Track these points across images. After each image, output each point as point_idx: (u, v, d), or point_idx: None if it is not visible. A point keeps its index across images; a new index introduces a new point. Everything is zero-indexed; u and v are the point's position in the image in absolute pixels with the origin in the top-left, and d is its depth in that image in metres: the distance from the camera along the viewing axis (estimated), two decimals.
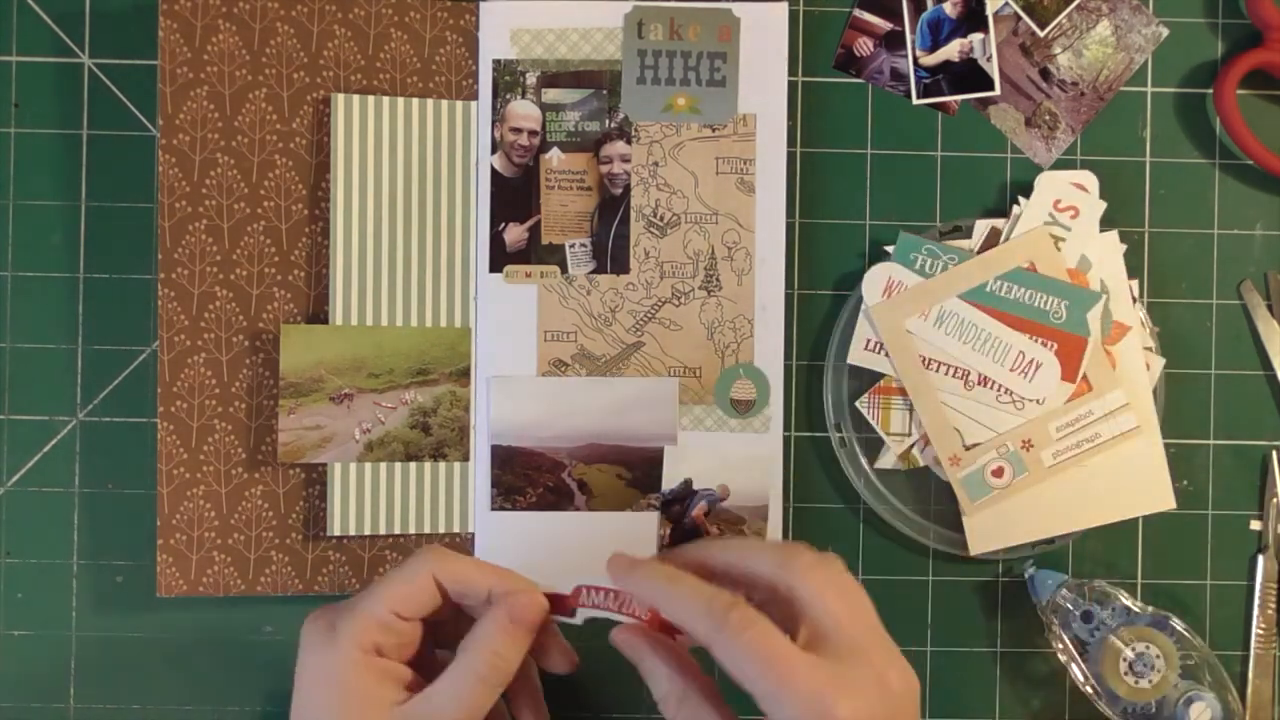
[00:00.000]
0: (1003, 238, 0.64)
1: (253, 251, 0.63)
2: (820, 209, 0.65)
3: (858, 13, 0.65)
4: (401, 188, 0.63)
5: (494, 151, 0.64)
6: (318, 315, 0.63)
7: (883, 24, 0.65)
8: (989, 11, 0.65)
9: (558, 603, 0.54)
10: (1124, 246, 0.64)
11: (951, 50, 0.65)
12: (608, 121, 0.64)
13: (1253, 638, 0.65)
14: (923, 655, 0.65)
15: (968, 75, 0.65)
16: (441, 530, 0.64)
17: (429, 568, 0.52)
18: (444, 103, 0.64)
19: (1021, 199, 0.64)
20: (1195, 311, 0.66)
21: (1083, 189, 0.64)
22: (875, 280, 0.64)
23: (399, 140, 0.63)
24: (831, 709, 0.45)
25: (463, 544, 0.64)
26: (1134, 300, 0.64)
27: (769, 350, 0.64)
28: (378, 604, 0.51)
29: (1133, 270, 0.64)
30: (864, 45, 0.65)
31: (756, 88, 0.64)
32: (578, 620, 0.54)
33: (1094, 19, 0.65)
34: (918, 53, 0.65)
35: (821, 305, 0.65)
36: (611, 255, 0.64)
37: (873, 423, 0.64)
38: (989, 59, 0.65)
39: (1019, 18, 0.65)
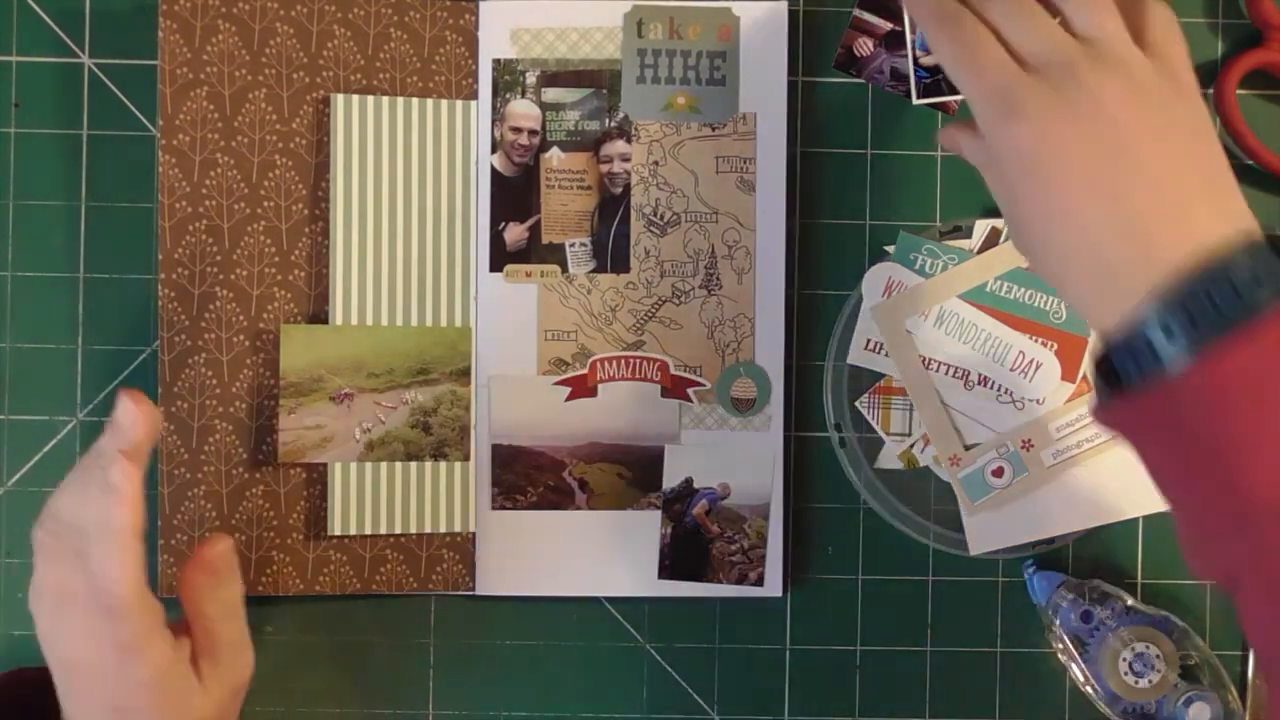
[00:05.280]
0: (1003, 238, 0.64)
1: (253, 252, 0.63)
2: (820, 209, 0.65)
3: (858, 13, 0.65)
4: (401, 188, 0.63)
5: (494, 151, 0.64)
6: (318, 315, 0.63)
7: (883, 24, 0.65)
8: None
9: (579, 384, 0.63)
10: None
11: None
12: (608, 121, 0.64)
13: None
14: (923, 655, 0.65)
15: None
16: (442, 529, 0.64)
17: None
18: (444, 102, 0.64)
19: None
20: None
21: None
22: (875, 280, 0.64)
23: (399, 140, 0.63)
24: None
25: (464, 543, 0.64)
26: None
27: (769, 349, 0.64)
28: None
29: None
30: (864, 45, 0.65)
31: (756, 87, 0.64)
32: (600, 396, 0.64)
33: None
34: (917, 53, 0.65)
35: (821, 305, 0.65)
36: (612, 254, 0.64)
37: (873, 423, 0.64)
38: None
39: None
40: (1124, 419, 0.46)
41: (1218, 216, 0.45)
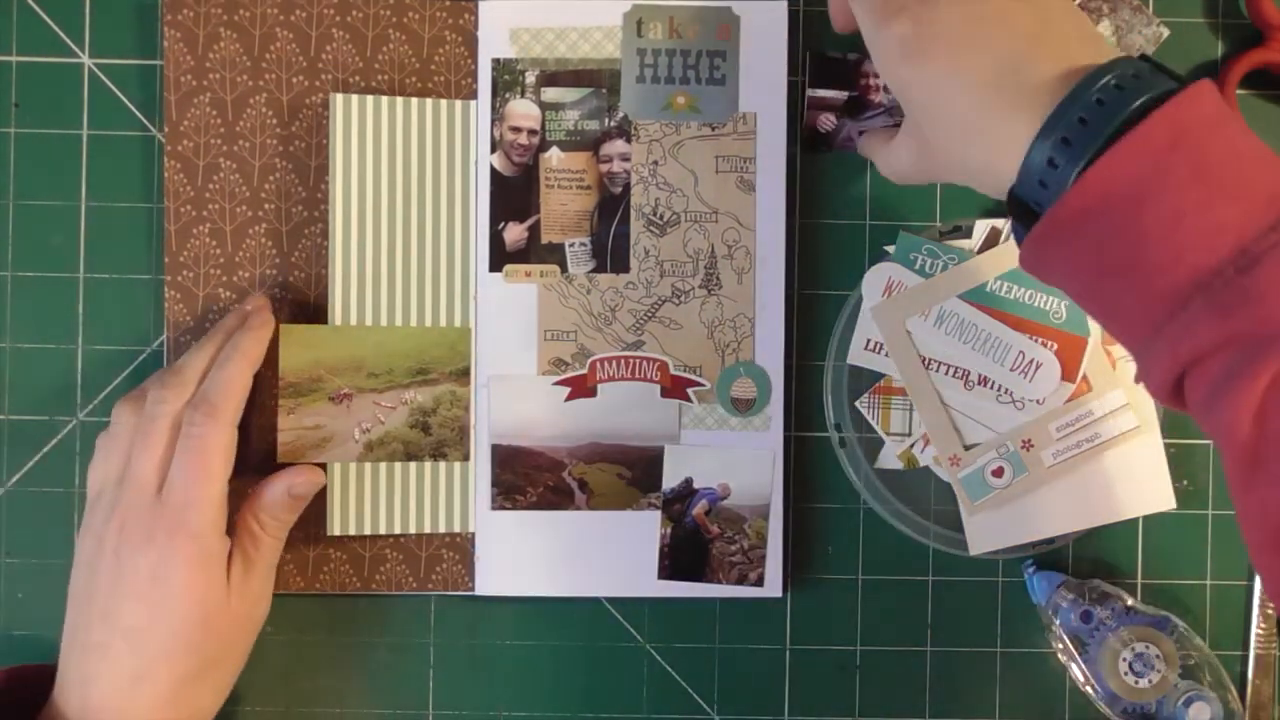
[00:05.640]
0: (1003, 238, 0.64)
1: (254, 254, 0.63)
2: (820, 209, 0.65)
3: (811, 92, 0.65)
4: (401, 188, 0.63)
5: (493, 151, 0.64)
6: (319, 315, 0.63)
7: (838, 94, 0.65)
8: None
9: (579, 385, 0.63)
10: None
11: None
12: (607, 120, 0.64)
13: (1253, 638, 0.65)
14: (923, 655, 0.65)
15: None
16: (442, 530, 0.64)
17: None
18: (443, 102, 0.64)
19: None
20: None
21: None
22: (875, 280, 0.64)
23: (398, 140, 0.63)
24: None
25: (463, 543, 0.64)
26: None
27: (769, 349, 0.64)
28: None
29: None
30: (826, 121, 0.65)
31: (756, 86, 0.64)
32: (600, 396, 0.64)
33: (1094, 19, 0.65)
34: None
35: (821, 305, 0.65)
36: (611, 254, 0.64)
37: (873, 423, 0.64)
38: None
39: None
40: (1039, 253, 0.47)
41: (1092, 56, 0.47)
